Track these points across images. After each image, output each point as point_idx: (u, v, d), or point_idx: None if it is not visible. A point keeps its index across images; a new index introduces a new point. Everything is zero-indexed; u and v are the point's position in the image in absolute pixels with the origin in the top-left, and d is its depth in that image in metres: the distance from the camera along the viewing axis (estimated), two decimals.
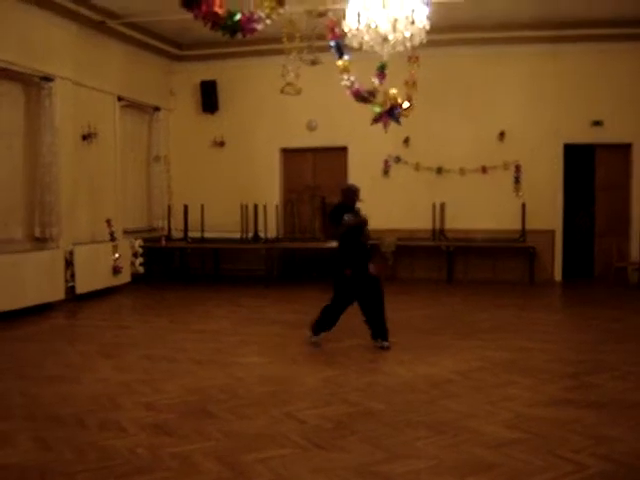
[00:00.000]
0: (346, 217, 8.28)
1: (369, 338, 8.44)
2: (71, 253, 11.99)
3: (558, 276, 14.71)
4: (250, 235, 15.10)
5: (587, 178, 15.09)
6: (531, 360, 7.75)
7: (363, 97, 9.53)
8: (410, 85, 10.02)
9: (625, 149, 14.39)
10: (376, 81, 9.62)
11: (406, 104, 9.82)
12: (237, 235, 15.16)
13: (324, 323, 8.49)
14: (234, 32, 5.77)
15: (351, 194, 8.63)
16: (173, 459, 4.76)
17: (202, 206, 15.08)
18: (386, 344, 8.26)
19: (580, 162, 15.11)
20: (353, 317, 8.57)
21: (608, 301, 12.36)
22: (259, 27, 5.86)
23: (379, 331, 8.34)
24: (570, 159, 14.72)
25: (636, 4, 12.67)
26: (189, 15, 5.69)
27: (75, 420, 5.62)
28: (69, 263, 11.91)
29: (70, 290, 11.89)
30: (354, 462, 4.72)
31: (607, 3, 12.66)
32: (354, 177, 15.20)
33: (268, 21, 5.96)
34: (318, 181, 15.70)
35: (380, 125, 10.00)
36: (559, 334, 9.71)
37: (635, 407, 5.93)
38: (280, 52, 8.25)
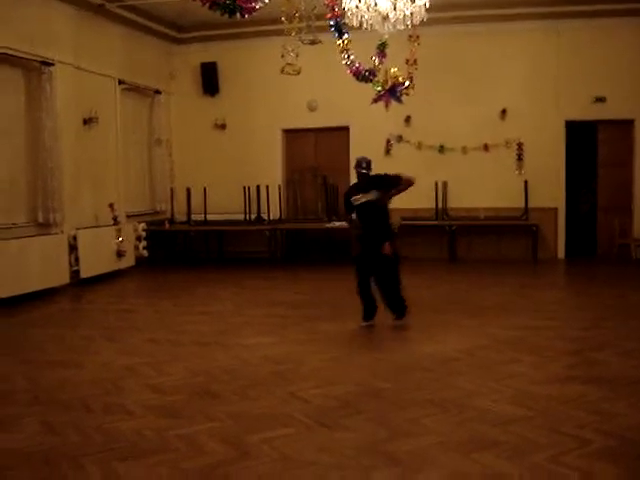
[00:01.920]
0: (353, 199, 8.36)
1: (374, 317, 8.46)
2: (75, 237, 12.00)
3: (561, 254, 14.69)
4: (253, 217, 15.11)
5: (589, 155, 15.04)
6: (535, 338, 7.76)
7: (364, 76, 9.53)
8: (411, 64, 10.02)
9: (627, 125, 14.32)
10: (377, 60, 9.62)
11: (407, 83, 9.82)
12: (240, 217, 15.17)
13: (365, 307, 8.47)
14: (232, 12, 5.74)
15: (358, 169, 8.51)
16: (179, 440, 4.78)
17: (205, 189, 15.09)
18: (398, 322, 8.34)
19: (582, 139, 15.07)
20: (353, 297, 8.58)
21: (611, 278, 12.37)
22: (257, 6, 5.84)
23: (394, 308, 8.35)
24: (572, 136, 14.67)
25: None
26: None
27: (80, 404, 5.64)
28: (73, 247, 11.93)
29: (74, 274, 11.93)
30: (359, 441, 4.73)
31: None
32: (356, 157, 15.19)
33: (266, 0, 5.94)
34: (320, 161, 15.67)
35: (381, 104, 10.02)
36: (563, 312, 9.71)
37: (637, 383, 5.93)
38: (280, 32, 8.22)
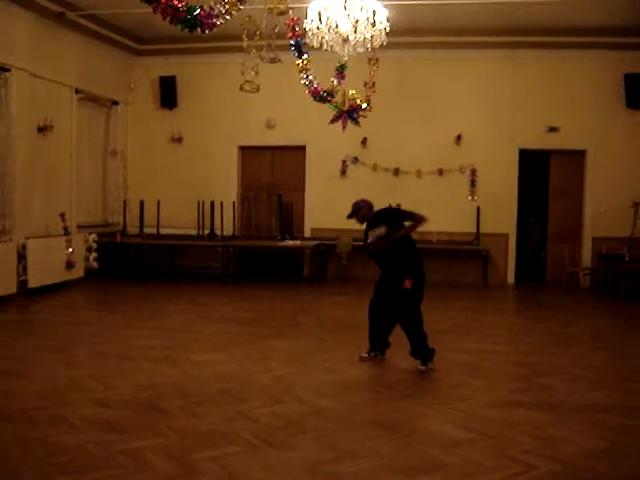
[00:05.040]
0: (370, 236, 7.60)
1: (322, 338, 8.45)
2: (24, 246, 11.80)
3: (511, 279, 14.88)
4: (206, 232, 15.04)
5: (541, 184, 15.27)
6: (483, 362, 7.82)
7: (322, 97, 9.57)
8: (369, 86, 10.09)
9: (579, 155, 14.60)
10: (335, 81, 9.67)
11: (365, 105, 9.90)
12: (193, 232, 15.09)
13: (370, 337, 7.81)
14: (193, 27, 5.73)
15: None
16: (123, 456, 4.71)
17: (158, 202, 14.98)
18: (422, 368, 7.32)
19: (535, 168, 15.30)
20: (304, 315, 8.58)
21: (559, 305, 12.52)
22: (218, 22, 5.83)
23: (416, 352, 7.45)
24: (525, 164, 14.89)
25: (591, 13, 12.88)
26: (149, 9, 5.65)
27: (23, 416, 5.53)
28: (22, 256, 11.73)
29: (22, 284, 11.71)
30: (305, 461, 4.72)
31: (564, 12, 12.83)
32: (312, 176, 15.29)
33: (228, 17, 5.94)
34: (276, 179, 15.69)
35: (338, 125, 10.05)
36: (511, 336, 9.81)
37: (583, 409, 6.01)
38: (240, 49, 8.21)
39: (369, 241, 7.59)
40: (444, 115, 14.75)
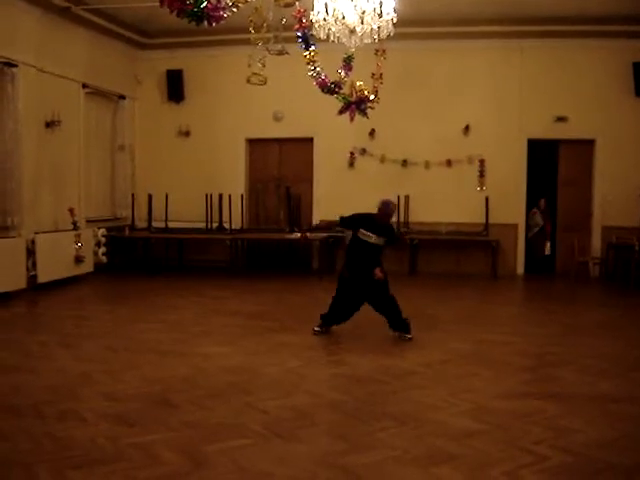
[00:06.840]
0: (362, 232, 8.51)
1: (331, 330, 8.49)
2: (33, 242, 11.82)
3: (520, 270, 14.84)
4: (215, 225, 15.03)
5: (550, 174, 15.20)
6: (493, 352, 7.81)
7: (329, 88, 9.54)
8: (376, 78, 10.05)
9: (588, 145, 14.53)
10: (343, 73, 9.64)
11: (372, 96, 9.86)
12: (202, 225, 15.08)
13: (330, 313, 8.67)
14: (200, 19, 5.71)
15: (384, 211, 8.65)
16: (133, 449, 4.71)
17: (166, 196, 14.98)
18: (408, 336, 8.33)
19: (544, 157, 15.23)
20: (313, 308, 8.58)
21: (569, 295, 12.51)
22: (225, 15, 5.81)
23: (398, 325, 8.42)
24: (534, 154, 14.83)
25: (598, 2, 12.81)
26: (155, 2, 5.63)
27: (33, 410, 5.54)
28: (31, 252, 11.75)
29: (31, 279, 11.74)
30: (316, 453, 4.71)
31: (570, 0, 12.77)
32: (320, 168, 15.27)
33: (234, 9, 5.92)
34: (284, 172, 15.68)
35: (346, 117, 10.02)
36: (520, 327, 9.80)
37: (593, 399, 5.99)
38: (247, 42, 8.17)
39: (373, 241, 8.43)
40: (452, 106, 14.70)
